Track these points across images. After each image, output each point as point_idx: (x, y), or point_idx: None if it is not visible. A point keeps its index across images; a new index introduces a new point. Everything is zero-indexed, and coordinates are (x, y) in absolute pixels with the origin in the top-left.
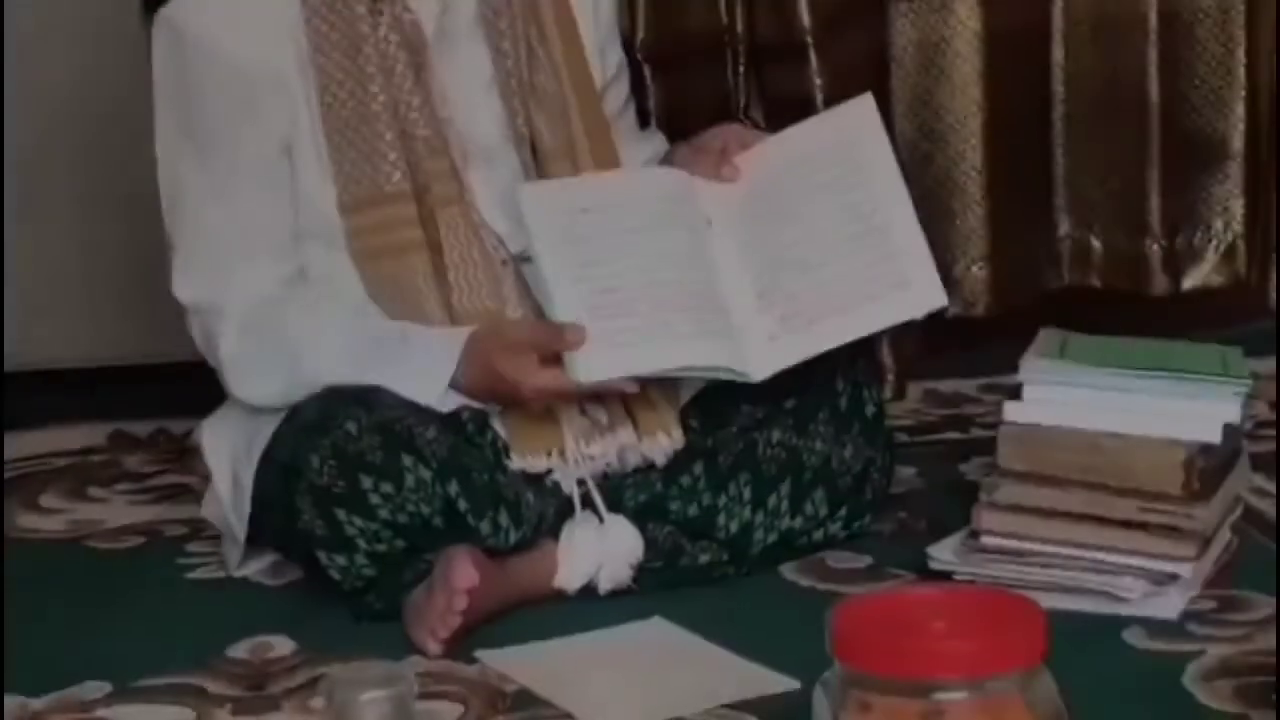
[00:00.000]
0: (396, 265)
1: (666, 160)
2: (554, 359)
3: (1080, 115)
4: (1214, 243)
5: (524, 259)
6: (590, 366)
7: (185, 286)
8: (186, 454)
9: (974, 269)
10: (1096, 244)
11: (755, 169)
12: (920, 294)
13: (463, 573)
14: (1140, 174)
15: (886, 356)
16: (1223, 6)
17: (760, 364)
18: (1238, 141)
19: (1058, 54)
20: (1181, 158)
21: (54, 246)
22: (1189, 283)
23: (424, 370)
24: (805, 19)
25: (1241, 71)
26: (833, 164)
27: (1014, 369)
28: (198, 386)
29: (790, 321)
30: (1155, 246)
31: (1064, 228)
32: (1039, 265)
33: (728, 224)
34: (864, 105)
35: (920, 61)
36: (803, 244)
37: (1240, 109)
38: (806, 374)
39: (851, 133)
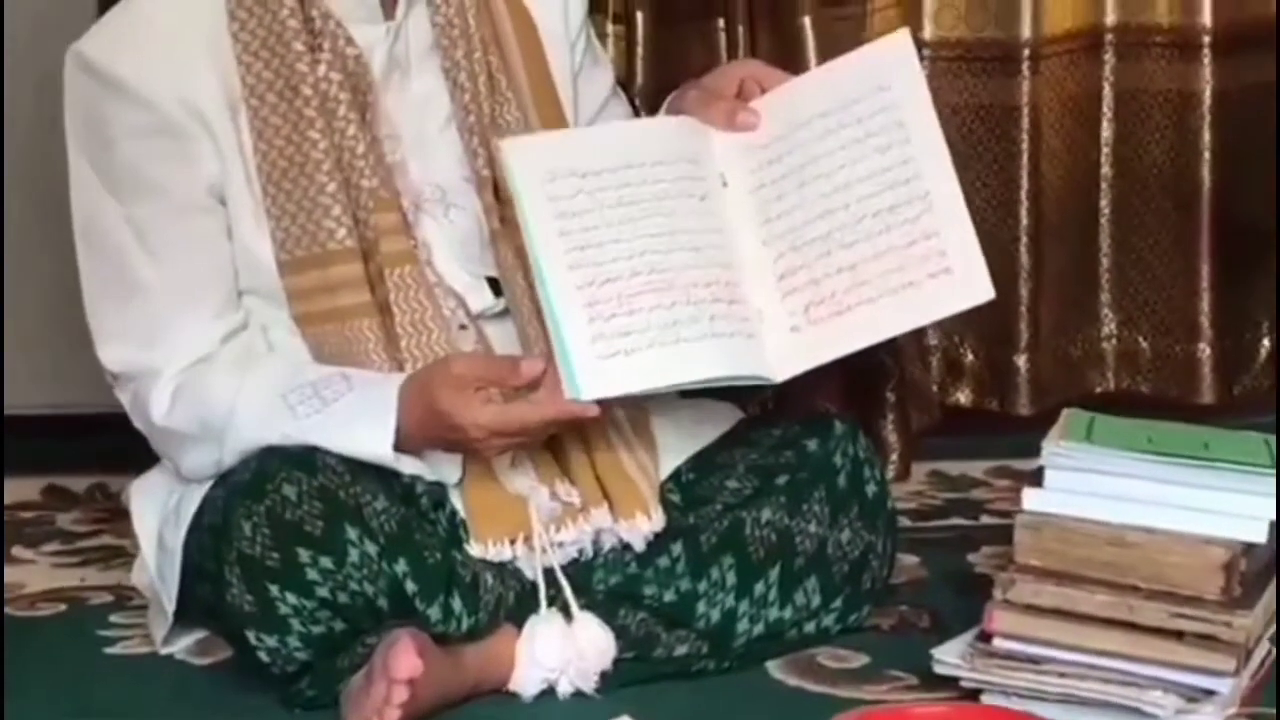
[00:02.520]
0: (343, 332)
1: (674, 106)
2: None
3: (1129, 201)
4: (1264, 341)
5: (486, 317)
6: (590, 383)
7: (114, 351)
8: (122, 513)
9: (1013, 361)
10: (1144, 345)
11: (776, 117)
12: (964, 284)
13: (405, 661)
14: (1191, 268)
15: (890, 432)
16: (1266, 84)
17: (781, 363)
18: None
19: (1107, 132)
20: (1232, 250)
21: None
22: (1239, 388)
23: (369, 414)
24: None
25: None
26: (865, 115)
27: (1028, 451)
28: (142, 440)
29: (815, 311)
30: (1206, 349)
31: (1109, 326)
32: (1081, 365)
33: (744, 185)
34: (901, 45)
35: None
36: (830, 215)
37: None
38: (800, 447)
39: (887, 78)
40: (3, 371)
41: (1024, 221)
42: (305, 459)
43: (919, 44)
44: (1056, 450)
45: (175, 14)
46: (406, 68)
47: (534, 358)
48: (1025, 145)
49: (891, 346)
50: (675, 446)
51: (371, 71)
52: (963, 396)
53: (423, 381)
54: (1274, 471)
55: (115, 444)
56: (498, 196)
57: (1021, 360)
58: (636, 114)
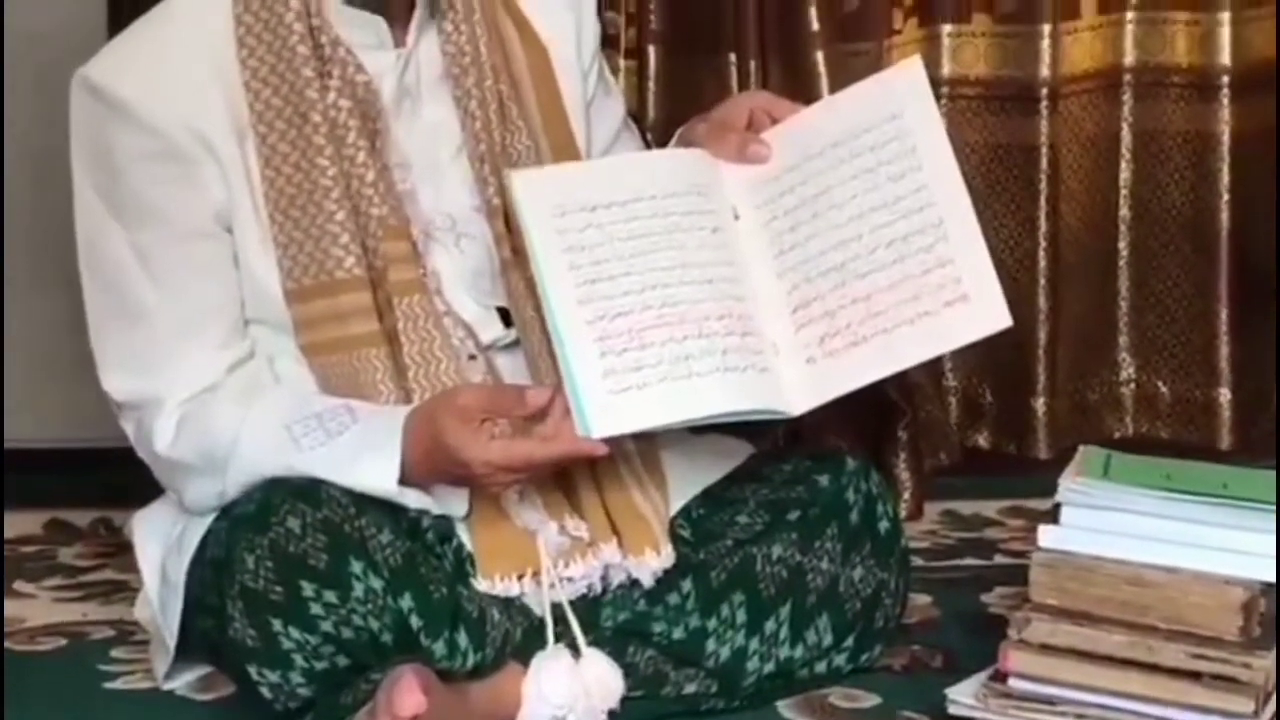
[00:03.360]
0: (350, 361)
1: (685, 138)
2: (521, 425)
3: (1147, 243)
4: None
5: (496, 348)
6: (601, 419)
7: (118, 380)
8: (125, 548)
9: (1030, 404)
10: (1163, 389)
11: (787, 148)
12: (981, 312)
13: (409, 699)
14: (1210, 311)
15: (902, 470)
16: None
17: (797, 397)
18: None
19: (1125, 174)
20: (1251, 293)
21: None
22: (1257, 431)
23: (374, 448)
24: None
25: None
26: (877, 144)
27: (1041, 491)
28: (145, 473)
29: (830, 342)
30: (1226, 393)
31: (1128, 370)
32: (1099, 410)
33: (756, 217)
34: (913, 73)
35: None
36: (844, 245)
37: None
38: (812, 482)
39: (899, 106)
40: (2, 405)
41: (1042, 263)
42: (309, 491)
43: (938, 81)
44: (1074, 487)
45: (184, 39)
46: (417, 96)
47: (540, 387)
48: (1044, 185)
49: (903, 385)
50: (685, 481)
51: (381, 99)
52: (981, 439)
53: (428, 414)
54: None
55: (119, 478)
56: (509, 226)
57: (1039, 404)
58: (648, 147)
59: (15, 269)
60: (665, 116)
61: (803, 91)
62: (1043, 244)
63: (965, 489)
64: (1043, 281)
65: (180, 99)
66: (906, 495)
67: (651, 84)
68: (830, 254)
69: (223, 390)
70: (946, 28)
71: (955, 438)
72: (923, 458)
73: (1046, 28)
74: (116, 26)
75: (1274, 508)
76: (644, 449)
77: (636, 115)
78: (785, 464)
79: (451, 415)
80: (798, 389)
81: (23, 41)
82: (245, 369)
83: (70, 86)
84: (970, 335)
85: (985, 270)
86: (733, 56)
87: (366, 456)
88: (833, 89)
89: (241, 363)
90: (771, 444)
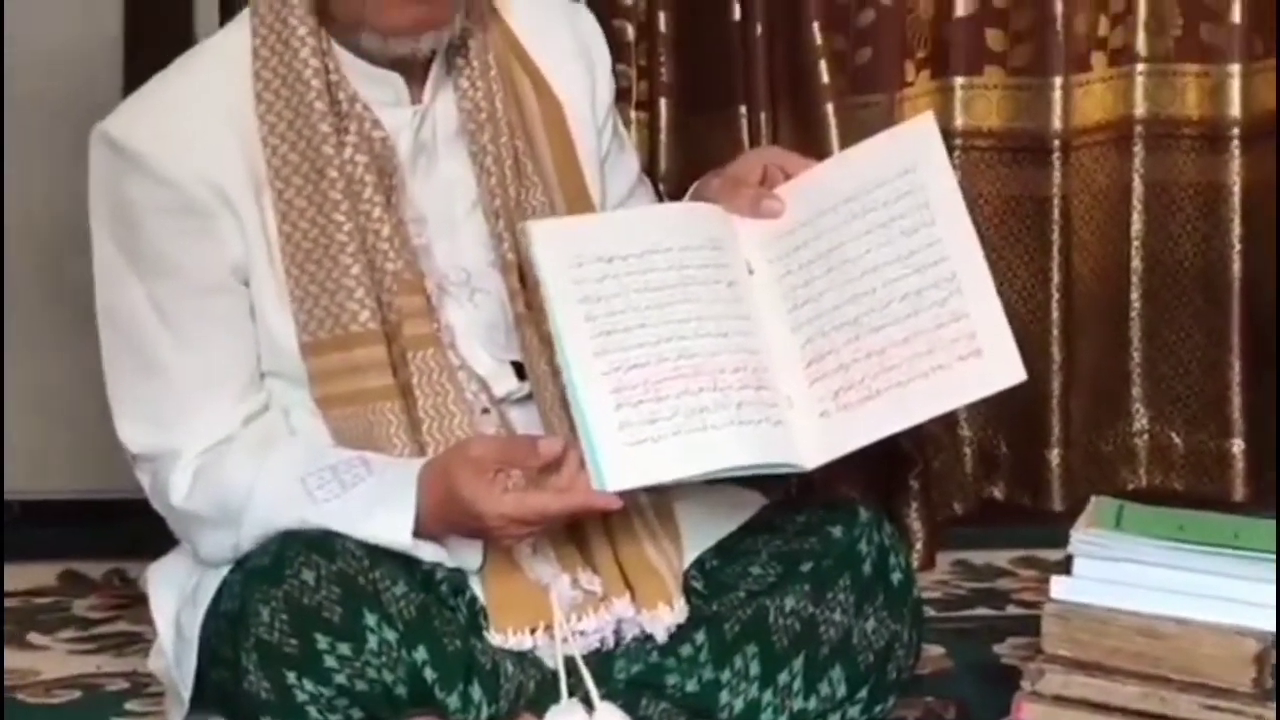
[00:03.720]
0: (365, 415)
1: (699, 193)
2: (535, 475)
3: (1160, 294)
4: None
5: (510, 402)
6: (617, 472)
7: (134, 431)
8: (139, 599)
9: (1045, 456)
10: (1177, 440)
11: (800, 203)
12: (995, 366)
13: None
14: (1223, 361)
15: (914, 520)
16: None
17: (811, 450)
18: None
19: (1137, 225)
20: (1264, 343)
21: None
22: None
23: (388, 500)
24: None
25: None
26: (890, 199)
27: (1053, 541)
28: (161, 525)
29: (845, 396)
30: (1240, 444)
31: (1141, 421)
32: (1113, 461)
33: (771, 271)
34: (925, 127)
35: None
36: (858, 299)
37: None
38: (825, 534)
39: (911, 160)
40: (2, 455)
41: (1055, 313)
42: (324, 544)
43: (951, 133)
44: (1086, 538)
45: (202, 94)
46: (433, 151)
47: (553, 437)
48: (1056, 237)
49: (916, 435)
50: (699, 533)
51: (398, 154)
52: (996, 491)
53: (442, 466)
54: None
55: (133, 529)
56: (523, 281)
57: (1054, 455)
58: (661, 201)
59: (31, 318)
60: (676, 168)
61: (814, 143)
62: (1056, 295)
63: (977, 539)
64: (1056, 332)
65: (198, 153)
66: (919, 545)
67: (663, 136)
68: (844, 308)
69: (238, 442)
70: (959, 80)
71: (971, 489)
72: (935, 508)
73: (1058, 80)
74: (133, 81)
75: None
76: (657, 501)
77: (648, 167)
78: (798, 515)
79: (465, 467)
80: (812, 442)
81: (35, 97)
82: (261, 421)
83: (89, 141)
84: (984, 389)
85: (999, 324)
86: (743, 109)
87: (381, 509)
88: (843, 141)
89: (257, 415)
90: (784, 494)
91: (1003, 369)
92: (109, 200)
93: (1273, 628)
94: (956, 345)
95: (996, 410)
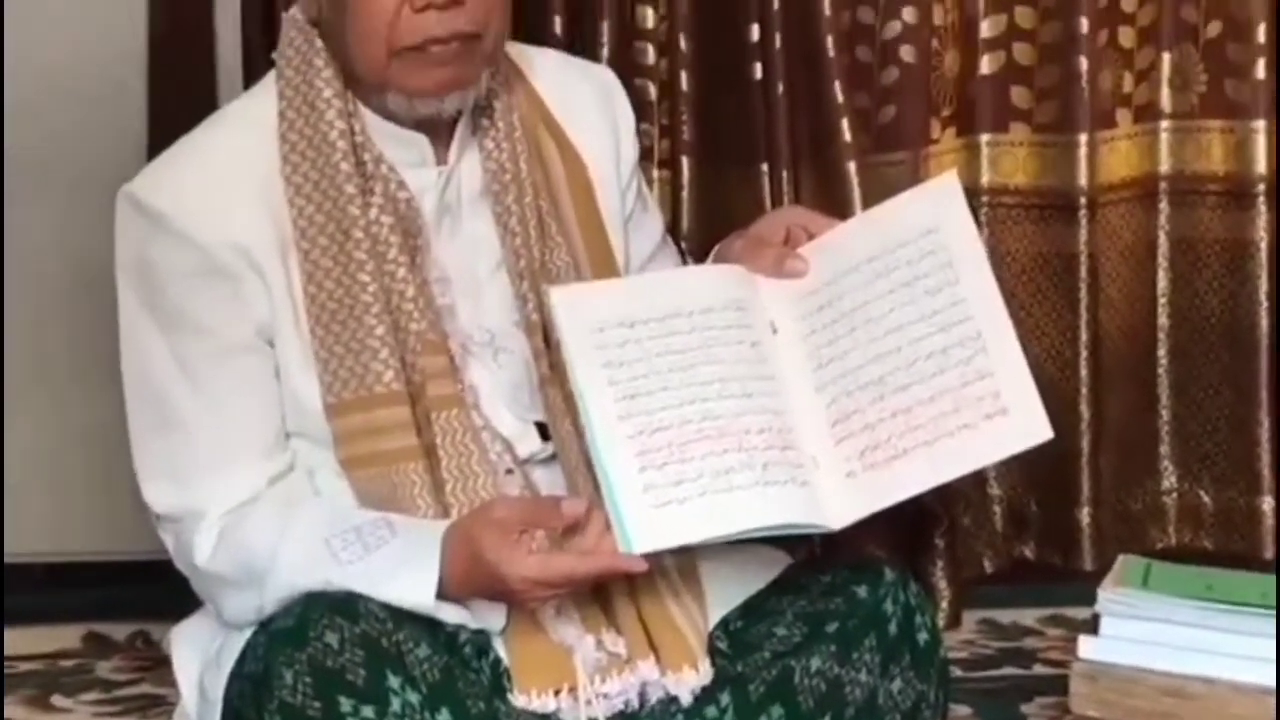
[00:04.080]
0: (389, 475)
1: (722, 254)
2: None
3: (1187, 350)
4: None
5: (534, 462)
6: (643, 535)
7: (159, 492)
8: (163, 661)
9: (1075, 515)
10: (1206, 499)
11: (824, 262)
12: (1022, 424)
13: None
14: (1252, 418)
15: (940, 579)
16: None
17: (838, 510)
18: None
19: (1163, 281)
20: None
21: (17, 427)
22: None
23: (412, 562)
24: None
25: None
26: (914, 258)
27: (1080, 598)
28: (182, 585)
29: (870, 456)
30: (1269, 501)
31: (1170, 479)
32: (1142, 520)
33: (795, 331)
34: (948, 186)
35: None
36: (882, 359)
37: None
38: (850, 594)
39: (934, 220)
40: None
41: (1083, 371)
42: (347, 605)
43: (978, 190)
44: (1113, 597)
45: (228, 156)
46: (458, 212)
47: (576, 498)
48: (1084, 293)
49: (941, 492)
50: (723, 594)
51: (423, 215)
52: (1027, 550)
53: (466, 529)
54: None
55: (157, 591)
56: (547, 342)
57: (1084, 515)
58: (685, 262)
59: (56, 378)
60: (699, 226)
61: (836, 201)
62: (1084, 352)
63: (1004, 597)
64: (1085, 389)
65: (225, 214)
66: (944, 604)
67: (685, 194)
68: (869, 367)
69: (263, 503)
70: (985, 137)
71: (1002, 547)
72: (961, 566)
73: (1084, 137)
74: (157, 145)
75: None
76: (681, 561)
77: (670, 225)
78: (823, 575)
79: (489, 530)
80: (838, 503)
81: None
82: (285, 482)
83: (115, 202)
84: (1011, 448)
85: (1025, 383)
86: (765, 167)
87: (404, 571)
88: (866, 199)
89: (282, 475)
90: (808, 553)
91: (1029, 427)
92: (135, 262)
93: None
94: (982, 404)
95: (1026, 469)
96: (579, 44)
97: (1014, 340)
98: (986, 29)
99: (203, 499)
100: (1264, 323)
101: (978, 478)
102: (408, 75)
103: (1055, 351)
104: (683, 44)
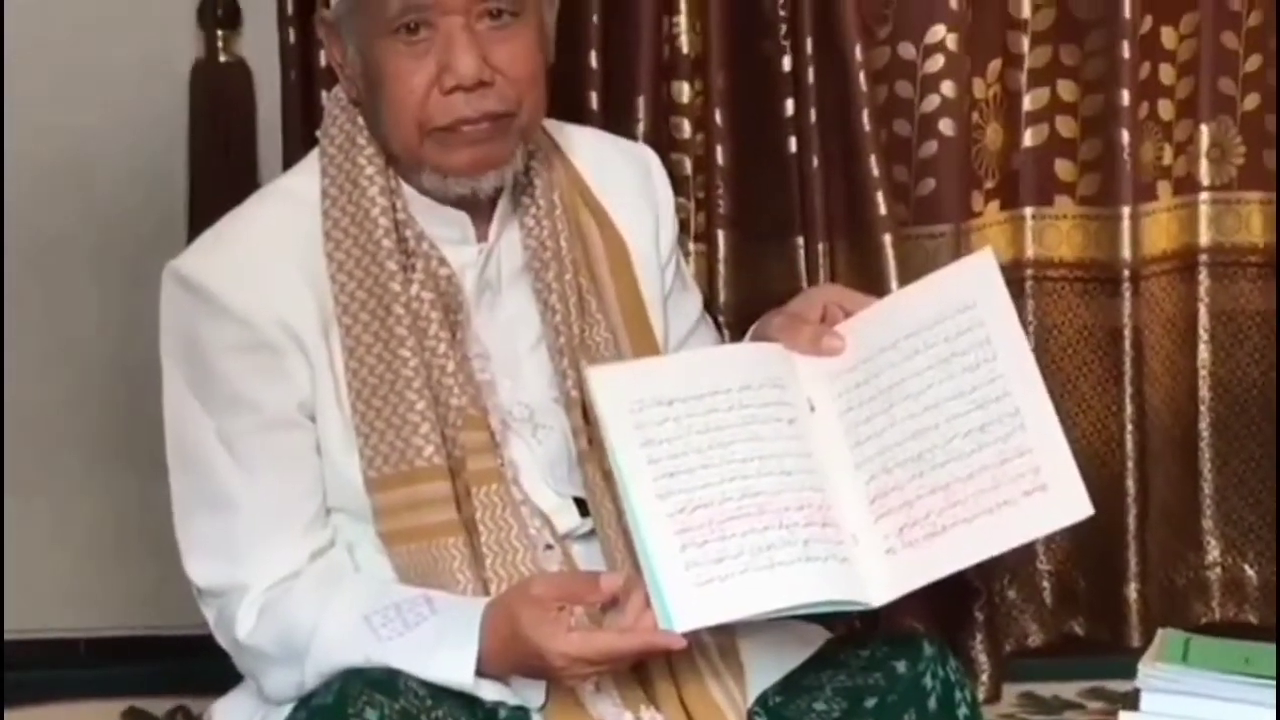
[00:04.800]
0: (429, 550)
1: (759, 332)
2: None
3: (1228, 423)
4: None
5: (573, 538)
6: (685, 612)
7: (202, 566)
8: None
9: (1122, 592)
10: (1250, 572)
11: (861, 339)
12: (1061, 501)
13: None
14: None
15: (979, 652)
16: None
17: (878, 588)
18: None
19: (1204, 354)
20: None
21: (60, 502)
22: None
23: (451, 640)
24: (893, 288)
25: None
26: (951, 335)
27: (1121, 671)
28: (222, 660)
29: (910, 533)
30: None
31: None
32: (1186, 594)
33: (832, 408)
34: (984, 262)
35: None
36: (920, 436)
37: None
38: (889, 668)
39: (971, 296)
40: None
41: (1128, 445)
42: (387, 682)
43: (1023, 264)
44: (1153, 672)
45: (271, 232)
46: (498, 288)
47: (614, 573)
48: (1128, 367)
49: (980, 565)
50: (762, 669)
51: (463, 291)
52: (1076, 626)
53: (505, 606)
54: None
55: (198, 666)
56: (586, 418)
57: (1131, 591)
58: (723, 339)
59: (97, 455)
60: (735, 299)
61: (871, 274)
62: (1129, 426)
63: (1043, 670)
64: (1130, 464)
65: (268, 291)
66: (984, 677)
67: (721, 268)
68: (907, 444)
69: (304, 578)
70: (1029, 210)
71: (1050, 623)
72: (1000, 639)
73: (1126, 209)
74: (199, 223)
75: None
76: (720, 637)
77: (707, 297)
78: (862, 649)
79: (529, 607)
80: (878, 579)
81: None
82: (327, 557)
83: (160, 280)
84: (1051, 525)
85: (1064, 459)
86: (801, 240)
87: (444, 648)
88: (903, 271)
89: (323, 550)
90: (847, 628)
91: (1069, 504)
92: (180, 337)
93: None
94: (1021, 480)
95: (1074, 544)
96: (615, 119)
97: (1052, 416)
98: (1029, 102)
99: (245, 574)
100: None
101: (1026, 552)
102: (440, 155)
103: (1101, 425)
104: (718, 118)
